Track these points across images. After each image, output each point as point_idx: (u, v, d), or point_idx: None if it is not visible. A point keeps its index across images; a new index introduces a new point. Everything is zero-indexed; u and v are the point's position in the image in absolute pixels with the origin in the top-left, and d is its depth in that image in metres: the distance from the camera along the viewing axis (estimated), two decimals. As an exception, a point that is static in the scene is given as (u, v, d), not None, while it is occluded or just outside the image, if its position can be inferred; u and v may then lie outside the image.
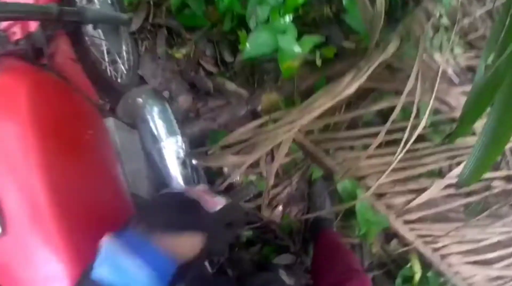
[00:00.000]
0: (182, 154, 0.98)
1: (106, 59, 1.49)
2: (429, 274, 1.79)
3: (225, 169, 1.48)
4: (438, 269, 1.76)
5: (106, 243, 0.50)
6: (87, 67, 1.04)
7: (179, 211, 0.59)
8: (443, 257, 1.76)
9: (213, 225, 0.61)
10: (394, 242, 1.86)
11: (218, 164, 1.52)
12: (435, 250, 1.76)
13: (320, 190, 1.76)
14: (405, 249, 1.79)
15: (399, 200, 1.70)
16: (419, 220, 1.74)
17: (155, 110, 0.99)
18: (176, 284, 0.57)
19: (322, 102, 1.45)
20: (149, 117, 0.99)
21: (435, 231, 1.73)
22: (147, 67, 1.81)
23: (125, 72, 1.66)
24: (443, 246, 1.75)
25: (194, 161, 0.99)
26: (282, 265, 1.70)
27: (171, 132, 0.99)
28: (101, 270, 0.48)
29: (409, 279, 1.83)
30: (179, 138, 0.99)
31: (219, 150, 1.48)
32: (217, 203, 0.64)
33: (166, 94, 1.76)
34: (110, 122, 0.92)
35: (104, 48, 1.48)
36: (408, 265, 1.81)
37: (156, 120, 0.98)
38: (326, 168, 1.70)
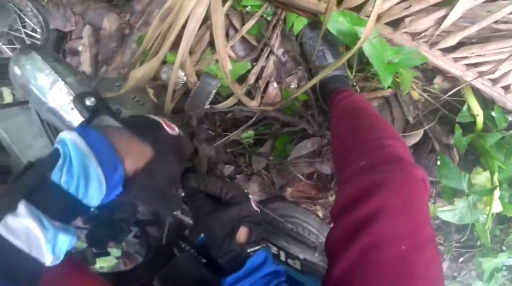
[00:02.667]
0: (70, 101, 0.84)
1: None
2: (494, 113, 1.35)
3: (163, 75, 1.14)
4: (504, 105, 1.31)
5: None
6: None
7: (142, 122, 0.68)
8: (507, 89, 1.29)
9: (167, 143, 0.67)
10: (438, 80, 1.40)
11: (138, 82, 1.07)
12: (495, 81, 1.29)
13: (313, 43, 1.30)
14: (455, 89, 1.34)
15: (424, 24, 1.20)
16: (462, 44, 1.24)
17: (27, 68, 0.84)
18: (124, 194, 0.61)
19: None
20: (26, 79, 0.86)
21: (488, 55, 1.23)
22: (55, 17, 1.76)
23: (38, 35, 1.75)
24: (505, 74, 1.27)
25: (89, 101, 0.85)
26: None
27: (51, 82, 0.82)
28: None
29: (470, 125, 1.39)
30: (61, 83, 0.82)
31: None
32: (174, 128, 0.71)
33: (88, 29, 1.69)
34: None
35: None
36: (465, 108, 1.37)
37: (32, 79, 0.84)
38: (307, 11, 1.23)
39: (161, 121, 0.69)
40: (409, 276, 0.61)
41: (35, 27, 1.83)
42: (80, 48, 1.79)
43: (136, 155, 0.62)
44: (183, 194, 0.83)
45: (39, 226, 0.48)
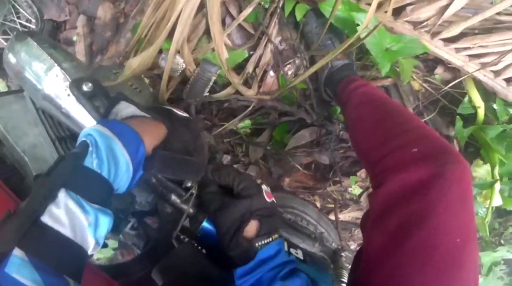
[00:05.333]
0: (66, 87, 0.82)
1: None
2: (496, 106, 1.33)
3: (162, 62, 1.11)
4: (506, 98, 1.29)
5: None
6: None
7: (155, 109, 0.72)
8: (509, 81, 1.27)
9: (179, 122, 0.71)
10: (439, 71, 1.38)
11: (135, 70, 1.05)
12: (497, 73, 1.26)
13: (319, 31, 1.26)
14: (457, 80, 1.32)
15: (426, 13, 1.19)
16: (464, 35, 1.22)
17: (22, 55, 0.83)
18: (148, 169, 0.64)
19: None
20: (20, 67, 0.84)
21: (491, 47, 1.21)
22: (50, 8, 1.75)
23: (33, 25, 1.76)
24: (507, 66, 1.24)
25: (86, 87, 0.80)
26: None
27: (47, 68, 0.82)
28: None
29: (471, 117, 1.38)
30: (57, 69, 0.81)
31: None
32: (184, 113, 0.75)
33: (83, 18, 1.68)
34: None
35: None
36: (466, 99, 1.35)
37: (27, 66, 0.83)
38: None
39: (171, 107, 0.75)
40: (460, 268, 0.63)
41: (30, 18, 1.81)
42: (74, 38, 1.77)
43: (152, 133, 0.66)
44: (195, 192, 0.83)
45: (81, 210, 0.50)
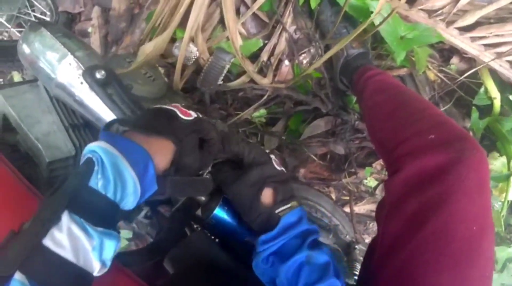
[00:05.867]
0: (80, 75, 0.82)
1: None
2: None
3: (175, 51, 1.09)
4: None
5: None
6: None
7: (155, 117, 0.65)
8: None
9: (185, 131, 0.65)
10: (455, 60, 1.35)
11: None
12: None
13: (335, 19, 1.23)
14: (473, 70, 1.29)
15: (441, 1, 1.16)
16: (479, 24, 1.19)
17: (36, 45, 0.84)
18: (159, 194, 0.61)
19: None
20: (35, 56, 0.85)
21: (506, 36, 1.18)
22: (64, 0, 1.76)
23: (48, 18, 1.75)
24: None
25: (100, 74, 0.80)
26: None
27: (60, 57, 0.83)
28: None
29: (487, 108, 1.34)
30: (70, 57, 0.82)
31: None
32: (191, 114, 0.68)
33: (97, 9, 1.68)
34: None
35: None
36: (482, 90, 1.31)
37: (41, 56, 0.84)
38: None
39: (175, 109, 0.68)
40: (476, 257, 0.62)
41: (44, 10, 1.80)
42: (89, 30, 1.77)
43: (161, 153, 0.62)
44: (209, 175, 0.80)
45: (84, 234, 0.48)
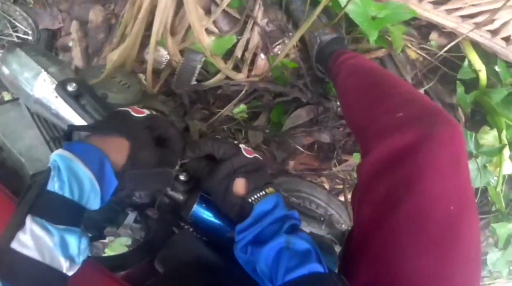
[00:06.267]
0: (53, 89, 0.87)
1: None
2: (498, 68, 1.27)
3: (146, 56, 1.11)
4: (508, 58, 1.23)
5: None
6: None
7: (111, 119, 0.71)
8: (508, 40, 1.21)
9: (138, 127, 0.69)
10: (434, 36, 1.34)
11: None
12: (494, 33, 1.21)
13: (301, 7, 1.25)
14: (452, 43, 1.27)
15: None
16: None
17: (14, 65, 0.90)
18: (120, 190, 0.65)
19: None
20: (13, 76, 0.90)
21: (483, 5, 1.16)
22: (43, 18, 1.79)
23: (30, 37, 1.81)
24: (504, 25, 1.19)
25: (71, 87, 0.85)
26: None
27: (35, 74, 0.89)
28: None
29: (473, 82, 1.32)
30: (44, 74, 0.88)
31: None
32: (144, 112, 0.72)
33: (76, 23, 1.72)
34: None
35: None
36: (465, 63, 1.29)
37: (19, 75, 0.90)
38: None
39: (129, 109, 0.72)
40: (455, 238, 0.59)
41: (26, 30, 1.86)
42: (70, 44, 1.79)
43: (116, 150, 0.64)
44: (183, 178, 0.84)
45: (45, 232, 0.51)
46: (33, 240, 0.50)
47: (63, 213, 0.55)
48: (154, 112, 0.74)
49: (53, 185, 0.55)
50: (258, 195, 0.71)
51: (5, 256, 0.49)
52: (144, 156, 0.68)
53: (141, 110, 0.73)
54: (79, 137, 0.70)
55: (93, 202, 0.59)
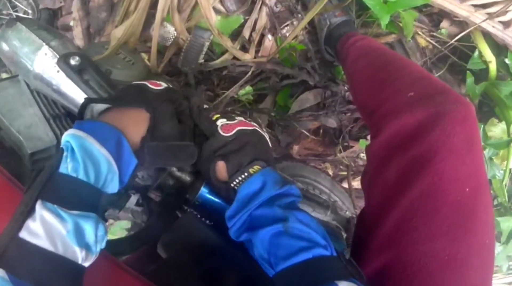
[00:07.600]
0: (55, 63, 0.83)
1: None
2: (508, 60, 1.23)
3: (152, 33, 1.07)
4: None
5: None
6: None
7: (126, 92, 0.67)
8: None
9: (158, 99, 0.66)
10: (445, 24, 1.31)
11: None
12: (506, 24, 1.18)
13: None
14: (464, 33, 1.24)
15: None
16: None
17: (13, 40, 0.86)
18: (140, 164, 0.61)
19: None
20: (13, 52, 0.86)
21: None
22: None
23: (31, 16, 1.78)
24: None
25: (74, 60, 0.80)
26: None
27: (36, 48, 0.85)
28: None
29: (482, 73, 1.29)
30: (45, 47, 0.84)
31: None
32: (160, 85, 0.70)
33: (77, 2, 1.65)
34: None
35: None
36: (476, 54, 1.26)
37: (18, 50, 0.85)
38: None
39: (145, 82, 0.69)
40: (471, 221, 0.57)
41: (26, 9, 1.83)
42: (71, 23, 1.75)
43: (134, 123, 0.62)
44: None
45: (57, 219, 0.47)
46: (44, 228, 0.46)
47: (78, 197, 0.51)
48: (170, 85, 0.72)
49: (66, 167, 0.51)
50: (241, 178, 0.66)
51: (13, 247, 0.45)
52: (165, 129, 0.65)
53: (158, 83, 0.70)
54: (92, 115, 0.66)
55: (111, 184, 0.55)
